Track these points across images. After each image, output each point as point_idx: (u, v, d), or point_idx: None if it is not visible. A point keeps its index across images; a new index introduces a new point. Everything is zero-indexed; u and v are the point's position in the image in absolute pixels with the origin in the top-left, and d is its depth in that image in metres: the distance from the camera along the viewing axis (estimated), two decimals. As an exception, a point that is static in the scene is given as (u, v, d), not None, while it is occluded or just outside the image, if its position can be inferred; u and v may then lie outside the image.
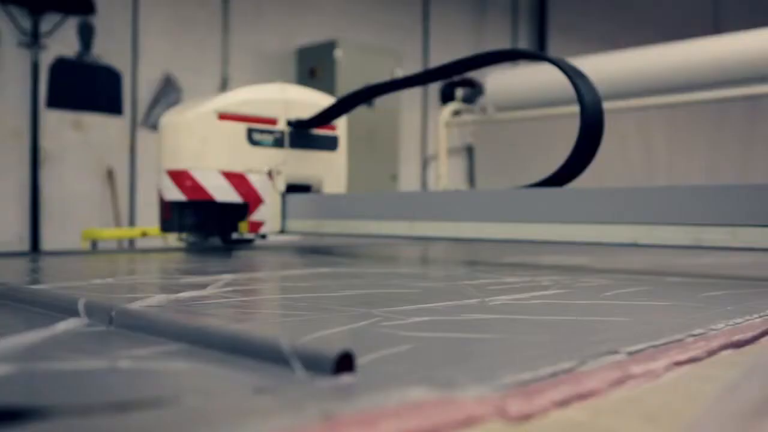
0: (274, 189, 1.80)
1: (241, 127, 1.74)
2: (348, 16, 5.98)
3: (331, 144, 1.97)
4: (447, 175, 4.49)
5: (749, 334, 0.58)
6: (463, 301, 0.74)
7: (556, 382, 0.40)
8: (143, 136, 4.97)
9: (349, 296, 0.76)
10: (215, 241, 1.82)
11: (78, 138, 4.72)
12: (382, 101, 5.50)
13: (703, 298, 0.80)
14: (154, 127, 5.08)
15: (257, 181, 1.76)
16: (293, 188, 1.85)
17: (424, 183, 6.28)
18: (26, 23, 4.45)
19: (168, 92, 5.12)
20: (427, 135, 6.45)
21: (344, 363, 0.40)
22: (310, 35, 5.58)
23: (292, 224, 1.79)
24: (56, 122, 4.62)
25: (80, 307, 0.59)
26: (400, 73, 5.78)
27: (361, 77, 5.42)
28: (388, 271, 1.13)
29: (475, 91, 4.63)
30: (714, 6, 8.45)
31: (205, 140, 1.69)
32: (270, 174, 1.80)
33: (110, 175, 4.87)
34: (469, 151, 5.94)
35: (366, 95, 1.87)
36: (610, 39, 6.75)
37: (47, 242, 4.53)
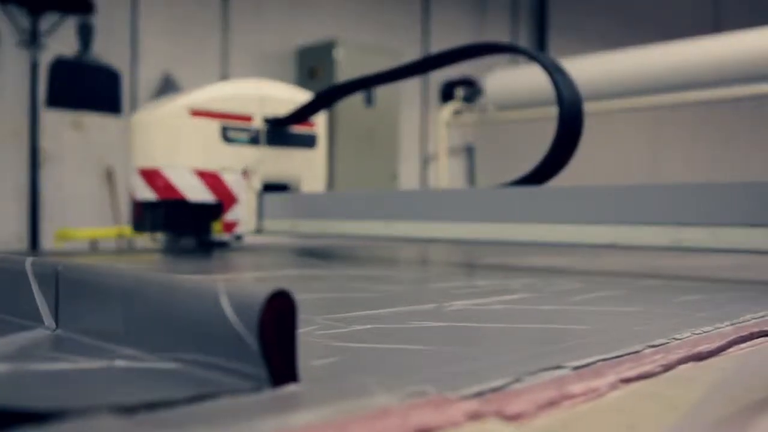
0: (249, 188, 1.75)
1: (215, 125, 1.68)
2: (348, 16, 5.95)
3: (309, 142, 1.91)
4: (447, 174, 4.45)
5: (715, 345, 0.54)
6: (419, 306, 0.70)
7: (478, 403, 0.35)
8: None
9: (300, 300, 0.72)
10: (190, 242, 1.77)
11: (77, 138, 4.70)
12: (382, 100, 5.46)
13: (676, 303, 0.75)
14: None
15: (231, 180, 1.71)
16: (270, 187, 1.80)
17: (424, 182, 6.24)
18: (25, 23, 4.44)
19: (168, 92, 5.10)
20: (427, 134, 6.41)
21: (278, 304, 0.37)
22: (310, 35, 5.55)
23: (269, 224, 1.73)
24: (55, 122, 4.60)
25: (27, 267, 0.58)
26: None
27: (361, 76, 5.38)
28: (357, 273, 1.09)
29: (474, 90, 4.59)
30: (714, 5, 8.38)
31: (177, 138, 1.63)
32: (245, 173, 1.75)
33: (109, 175, 4.85)
34: (470, 150, 5.90)
35: (342, 91, 1.84)
36: (611, 39, 6.69)
37: (46, 242, 4.52)
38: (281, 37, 5.53)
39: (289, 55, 5.54)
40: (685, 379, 0.45)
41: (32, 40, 4.47)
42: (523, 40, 7.28)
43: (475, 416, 0.34)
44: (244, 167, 1.75)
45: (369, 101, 5.30)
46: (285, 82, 6.24)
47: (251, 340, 0.37)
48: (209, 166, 1.69)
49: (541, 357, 0.45)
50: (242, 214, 1.74)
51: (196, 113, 1.67)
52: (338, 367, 0.44)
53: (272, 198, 1.75)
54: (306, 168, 1.90)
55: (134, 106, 4.88)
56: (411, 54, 6.26)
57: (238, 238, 1.80)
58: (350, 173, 5.21)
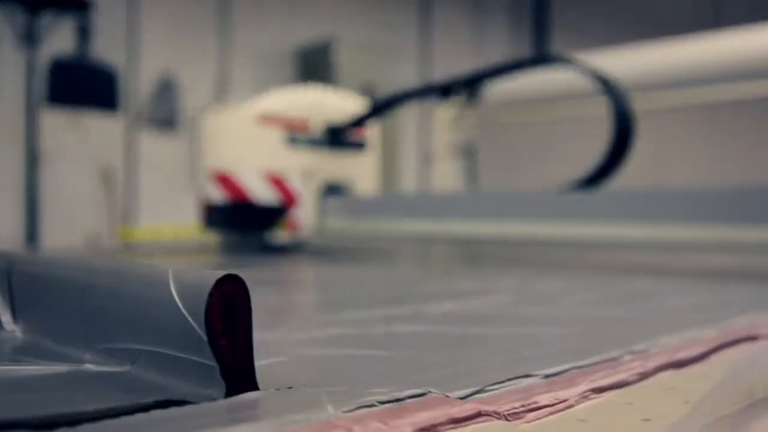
0: (309, 190, 1.86)
1: (281, 130, 1.81)
2: (348, 16, 5.93)
3: (361, 146, 2.05)
4: (447, 174, 4.44)
5: (697, 351, 0.52)
6: (400, 309, 0.68)
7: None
8: (142, 135, 4.94)
9: (283, 302, 0.71)
10: (256, 241, 1.86)
11: (76, 137, 4.69)
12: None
13: (664, 305, 0.73)
14: (152, 125, 5.06)
15: (294, 182, 1.82)
16: (327, 189, 1.92)
17: (424, 183, 6.22)
18: (23, 21, 4.43)
19: (167, 91, 5.09)
20: (427, 134, 6.40)
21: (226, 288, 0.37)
22: (310, 34, 5.53)
23: (328, 224, 1.84)
24: (54, 121, 4.59)
25: None
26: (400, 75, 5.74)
27: (361, 76, 5.37)
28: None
29: (473, 90, 4.57)
30: (714, 4, 8.35)
31: (246, 143, 1.76)
32: (306, 175, 1.85)
33: (107, 174, 4.85)
34: (469, 150, 5.88)
35: (396, 101, 2.01)
36: (611, 37, 6.66)
37: (45, 241, 4.51)
38: (281, 36, 5.52)
39: (288, 55, 5.53)
40: (661, 389, 0.43)
41: (30, 38, 4.46)
42: (523, 39, 7.25)
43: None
44: (306, 170, 1.86)
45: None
46: (284, 81, 6.22)
47: (199, 328, 0.35)
48: (274, 169, 1.80)
49: (512, 364, 0.44)
50: (304, 215, 1.85)
51: (264, 119, 1.79)
52: (302, 374, 0.42)
53: (331, 199, 1.86)
54: (358, 170, 2.02)
55: (133, 105, 4.87)
56: (410, 54, 6.23)
57: (298, 237, 1.88)
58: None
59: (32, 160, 4.59)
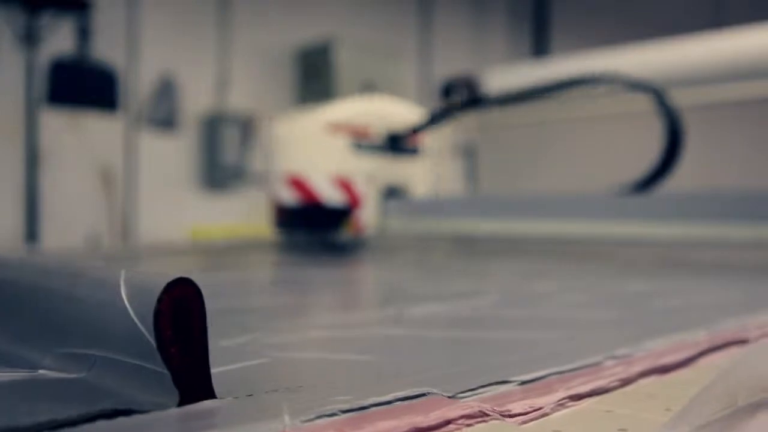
0: (371, 192, 2.01)
1: (348, 137, 1.97)
2: (347, 16, 5.92)
3: (416, 151, 2.23)
4: (447, 174, 4.43)
5: (682, 356, 0.50)
6: (379, 311, 0.67)
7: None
8: (142, 135, 4.93)
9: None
10: (320, 240, 2.00)
11: (76, 137, 4.69)
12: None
13: (654, 308, 0.72)
14: (152, 125, 5.05)
15: (360, 185, 1.97)
16: (387, 191, 2.06)
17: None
18: (23, 21, 4.42)
19: (167, 91, 5.08)
20: (426, 134, 6.38)
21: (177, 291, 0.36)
22: (310, 34, 5.53)
23: (389, 224, 1.98)
24: (54, 121, 4.59)
25: None
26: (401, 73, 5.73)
27: (361, 76, 5.36)
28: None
29: (473, 90, 4.56)
30: (715, 3, 8.32)
31: (318, 149, 1.91)
32: (368, 179, 2.00)
33: (107, 174, 4.84)
34: (469, 150, 5.87)
35: (453, 111, 2.17)
36: (611, 37, 6.64)
37: (45, 241, 4.50)
38: (281, 36, 5.51)
39: (288, 55, 5.53)
40: (645, 396, 0.41)
41: (29, 38, 4.46)
42: (523, 39, 7.24)
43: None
44: (368, 174, 2.01)
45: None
46: (284, 81, 6.20)
47: (148, 334, 0.34)
48: (342, 173, 1.95)
49: (488, 370, 0.42)
50: (367, 216, 1.98)
51: (334, 127, 1.94)
52: (266, 380, 0.41)
53: (392, 201, 2.01)
54: (414, 174, 2.19)
55: (133, 106, 4.86)
56: (410, 54, 6.22)
57: (361, 236, 2.02)
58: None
59: (32, 160, 4.58)
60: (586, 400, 0.39)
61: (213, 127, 5.26)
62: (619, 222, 1.45)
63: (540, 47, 7.03)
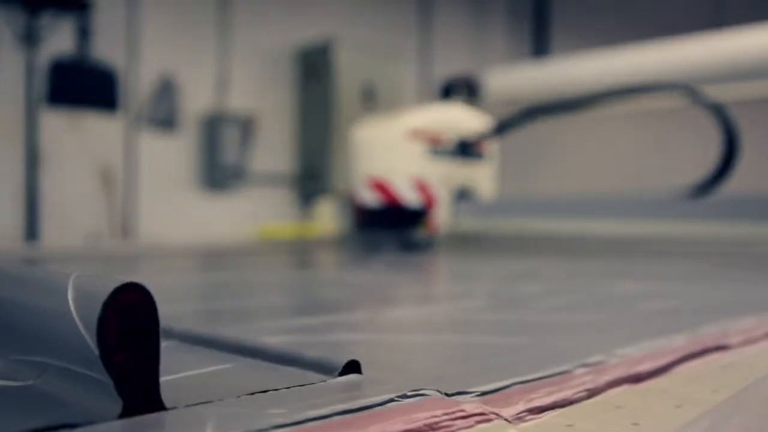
0: (445, 194, 2.10)
1: (424, 142, 2.07)
2: (347, 16, 5.91)
3: (481, 155, 2.33)
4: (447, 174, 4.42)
5: (658, 363, 0.49)
6: (355, 314, 0.65)
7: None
8: (142, 135, 4.92)
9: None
10: (402, 240, 2.08)
11: (76, 137, 4.68)
12: (381, 100, 5.42)
13: (639, 310, 0.70)
14: (152, 125, 5.04)
15: (435, 188, 2.07)
16: (459, 193, 2.15)
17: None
18: (23, 21, 4.42)
19: (167, 91, 5.07)
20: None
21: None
22: (310, 34, 5.52)
23: (460, 223, 2.06)
24: (54, 121, 4.58)
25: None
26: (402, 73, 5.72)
27: (361, 76, 5.35)
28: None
29: (473, 90, 4.55)
30: (715, 3, 8.29)
31: (398, 153, 2.01)
32: (442, 181, 2.09)
33: (107, 174, 4.83)
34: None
35: (522, 119, 2.27)
36: (611, 37, 6.61)
37: (45, 241, 4.49)
38: (281, 36, 5.50)
39: (288, 55, 5.52)
40: (612, 407, 0.40)
41: (30, 38, 4.45)
42: (523, 39, 7.21)
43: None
44: (442, 177, 2.11)
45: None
46: (284, 81, 6.19)
47: (91, 341, 0.33)
48: (419, 176, 2.04)
49: (448, 379, 0.41)
50: (441, 217, 2.06)
51: (413, 133, 2.06)
52: (209, 389, 0.39)
53: (463, 202, 2.11)
54: (480, 177, 2.28)
55: (133, 106, 4.85)
56: (410, 54, 6.21)
57: (435, 237, 2.09)
58: (350, 172, 5.18)
59: (32, 159, 4.58)
60: (547, 413, 0.37)
61: (213, 127, 5.25)
62: (681, 222, 1.56)
63: (540, 47, 7.01)
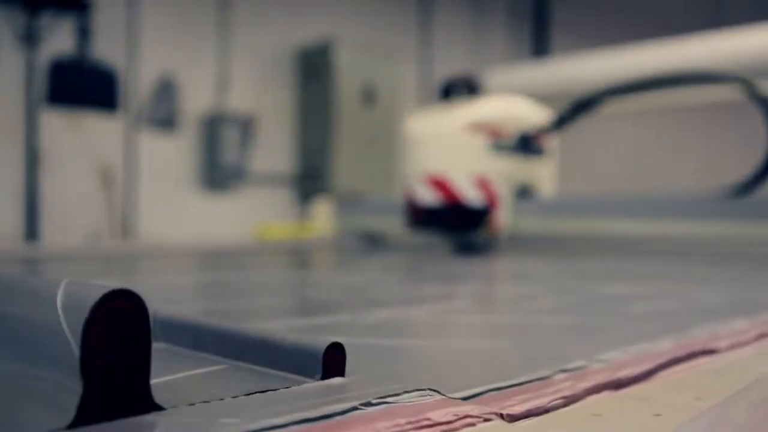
0: (506, 193, 1.98)
1: (484, 137, 1.95)
2: (347, 16, 5.90)
3: (542, 152, 2.18)
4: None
5: (640, 369, 0.47)
6: (339, 316, 0.64)
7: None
8: (142, 135, 4.92)
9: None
10: (459, 241, 1.97)
11: (76, 137, 4.68)
12: (381, 100, 5.41)
13: (627, 313, 0.69)
14: (152, 125, 5.04)
15: (496, 185, 1.94)
16: (519, 192, 2.04)
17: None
18: (23, 21, 4.42)
19: (166, 91, 5.07)
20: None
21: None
22: (310, 34, 5.51)
23: (522, 224, 1.96)
24: (54, 121, 4.58)
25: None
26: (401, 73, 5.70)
27: (361, 76, 5.34)
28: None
29: (473, 90, 4.54)
30: (715, 3, 8.27)
31: (459, 149, 1.89)
32: (503, 179, 1.97)
33: (107, 174, 4.83)
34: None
35: (583, 108, 2.14)
36: (611, 37, 6.60)
37: (45, 241, 4.49)
38: (281, 36, 5.50)
39: (288, 55, 5.51)
40: (588, 416, 0.39)
41: (30, 38, 4.45)
42: (523, 39, 7.20)
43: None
44: (504, 174, 1.98)
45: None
46: (284, 81, 6.17)
47: (76, 345, 0.32)
48: (479, 173, 1.92)
49: (416, 385, 0.40)
50: (502, 217, 1.95)
51: (472, 127, 1.93)
52: (177, 394, 0.38)
53: (524, 201, 1.99)
54: (541, 174, 2.15)
55: (133, 106, 4.85)
56: (410, 54, 6.19)
57: (495, 238, 2.00)
58: (351, 173, 5.17)
59: (32, 160, 4.58)
60: (520, 422, 0.36)
61: (213, 127, 5.25)
62: (728, 223, 1.54)
63: (540, 47, 6.99)
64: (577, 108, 2.07)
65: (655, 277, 1.13)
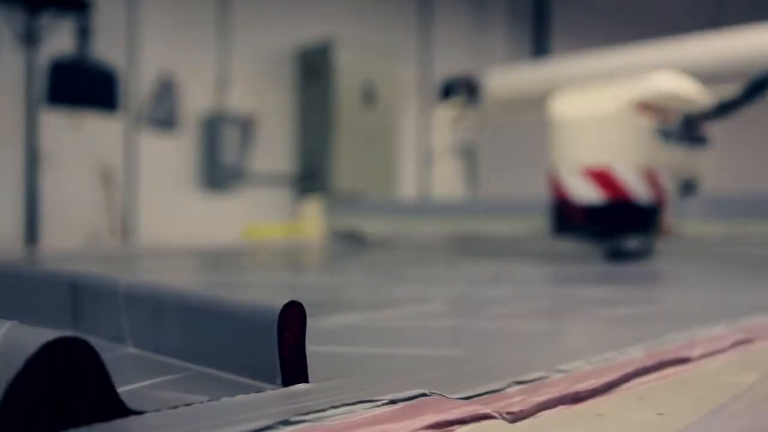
0: (672, 187, 1.66)
1: (651, 120, 1.60)
2: (347, 16, 5.89)
3: (705, 140, 1.84)
4: (447, 174, 4.39)
5: (602, 381, 0.45)
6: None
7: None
8: (142, 135, 4.92)
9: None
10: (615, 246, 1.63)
11: (76, 137, 4.67)
12: (381, 100, 5.39)
13: (601, 318, 0.67)
14: (152, 125, 5.03)
15: (664, 178, 1.62)
16: (683, 186, 1.72)
17: (423, 183, 6.16)
18: (23, 21, 4.41)
19: (166, 91, 5.06)
20: (427, 134, 6.34)
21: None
22: (310, 34, 5.50)
23: (686, 226, 1.65)
24: (54, 121, 4.58)
25: None
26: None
27: (361, 76, 5.32)
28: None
29: (473, 90, 4.52)
30: (715, 3, 8.23)
31: (623, 134, 1.55)
32: (668, 170, 1.64)
33: (107, 174, 4.83)
34: (469, 150, 5.83)
35: (755, 92, 1.69)
36: (611, 37, 6.56)
37: (45, 241, 4.49)
38: (281, 36, 5.49)
39: (288, 55, 5.50)
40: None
41: (30, 38, 4.45)
42: (523, 40, 7.17)
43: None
44: (666, 165, 1.64)
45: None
46: (284, 81, 6.16)
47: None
48: (646, 164, 1.57)
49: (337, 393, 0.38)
50: (670, 216, 1.64)
51: (640, 107, 1.57)
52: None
53: (690, 198, 1.67)
54: (703, 166, 1.81)
55: (133, 106, 4.84)
56: (410, 54, 6.18)
57: (655, 242, 1.67)
58: (350, 173, 5.15)
59: (32, 160, 4.57)
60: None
61: (213, 127, 5.24)
62: None
63: (540, 47, 6.97)
64: (754, 88, 1.69)
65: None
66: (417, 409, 0.33)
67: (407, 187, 5.96)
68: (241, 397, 0.33)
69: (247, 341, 0.39)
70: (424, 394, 0.35)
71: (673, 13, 7.98)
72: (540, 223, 1.80)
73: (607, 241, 1.62)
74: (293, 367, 0.38)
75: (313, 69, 5.39)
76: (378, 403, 0.33)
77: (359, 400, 0.33)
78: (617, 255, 1.62)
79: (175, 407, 0.34)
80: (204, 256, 1.81)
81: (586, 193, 1.55)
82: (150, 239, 4.90)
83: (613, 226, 1.56)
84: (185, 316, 0.46)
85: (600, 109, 1.56)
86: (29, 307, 0.61)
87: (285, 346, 0.37)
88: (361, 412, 0.31)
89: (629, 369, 0.48)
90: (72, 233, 4.67)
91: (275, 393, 0.35)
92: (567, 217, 1.61)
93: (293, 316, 0.39)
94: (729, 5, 8.23)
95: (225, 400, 0.33)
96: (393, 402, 0.33)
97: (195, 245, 3.47)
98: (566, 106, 1.64)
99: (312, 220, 2.72)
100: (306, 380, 0.39)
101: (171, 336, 0.48)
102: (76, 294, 0.56)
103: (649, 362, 0.50)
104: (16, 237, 4.49)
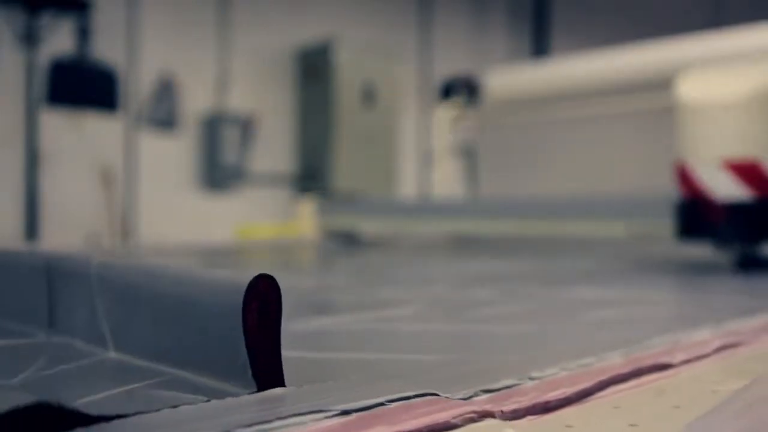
0: None
1: None
2: (347, 16, 5.88)
3: None
4: (447, 174, 4.38)
5: (575, 389, 0.44)
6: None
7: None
8: (142, 135, 4.92)
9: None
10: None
11: (76, 137, 4.68)
12: (381, 100, 5.39)
13: (585, 320, 0.65)
14: (152, 125, 5.04)
15: None
16: None
17: (423, 183, 6.15)
18: (23, 21, 4.42)
19: (166, 91, 5.06)
20: (427, 134, 6.33)
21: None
22: (310, 35, 5.50)
23: None
24: (54, 121, 4.58)
25: None
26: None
27: (361, 77, 5.32)
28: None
29: (473, 90, 4.52)
30: (715, 3, 8.21)
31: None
32: None
33: (107, 174, 4.83)
34: (469, 150, 5.82)
35: None
36: (611, 37, 6.55)
37: (45, 241, 4.49)
38: (281, 36, 5.49)
39: (288, 55, 5.50)
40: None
41: (30, 38, 4.45)
42: (523, 40, 7.16)
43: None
44: None
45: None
46: (284, 81, 6.16)
47: None
48: None
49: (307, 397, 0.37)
50: None
51: None
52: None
53: None
54: None
55: (133, 106, 4.84)
56: (410, 54, 6.17)
57: None
58: (350, 172, 5.15)
59: (32, 160, 4.58)
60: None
61: (213, 127, 5.24)
62: None
63: (540, 47, 6.96)
64: None
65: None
66: (371, 419, 0.32)
67: (407, 187, 5.95)
68: (185, 408, 0.32)
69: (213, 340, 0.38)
70: (382, 404, 0.34)
71: (673, 13, 7.97)
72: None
73: (746, 246, 1.45)
74: (267, 365, 0.38)
75: (313, 69, 5.38)
76: (329, 413, 0.32)
77: (309, 410, 0.32)
78: (747, 263, 1.44)
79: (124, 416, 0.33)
80: (194, 255, 1.81)
81: (728, 189, 1.38)
82: (150, 239, 4.90)
83: (759, 227, 1.40)
84: (155, 293, 0.46)
85: (741, 91, 1.40)
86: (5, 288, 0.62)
87: (250, 333, 0.37)
88: (311, 423, 0.30)
89: (604, 376, 0.47)
90: (72, 233, 4.68)
91: (228, 402, 0.34)
92: (707, 216, 1.43)
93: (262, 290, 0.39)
94: (729, 5, 8.21)
95: (166, 411, 0.32)
96: (346, 413, 0.32)
97: (190, 244, 3.47)
98: (696, 90, 1.47)
99: (307, 220, 2.71)
100: (282, 383, 0.39)
101: (141, 317, 0.48)
102: (51, 275, 0.57)
103: (627, 369, 0.49)
104: (16, 237, 4.49)
